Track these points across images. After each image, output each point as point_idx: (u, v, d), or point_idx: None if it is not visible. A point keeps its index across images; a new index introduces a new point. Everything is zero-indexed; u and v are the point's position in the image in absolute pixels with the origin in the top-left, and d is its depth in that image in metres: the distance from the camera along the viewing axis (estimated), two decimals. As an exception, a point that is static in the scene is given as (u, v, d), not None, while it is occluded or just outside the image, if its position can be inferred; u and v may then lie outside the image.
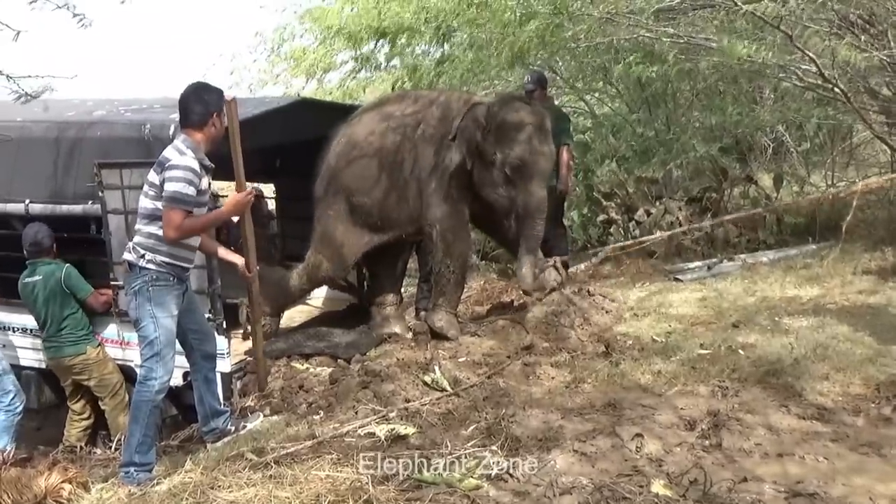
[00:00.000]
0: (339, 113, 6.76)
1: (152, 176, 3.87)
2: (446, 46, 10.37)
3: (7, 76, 4.95)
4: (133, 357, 5.10)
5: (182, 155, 3.84)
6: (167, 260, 3.89)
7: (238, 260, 4.47)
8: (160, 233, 3.85)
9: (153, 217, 3.87)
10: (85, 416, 5.59)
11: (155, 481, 3.61)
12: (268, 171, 7.47)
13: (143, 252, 3.85)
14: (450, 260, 5.46)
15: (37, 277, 5.29)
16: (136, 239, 3.90)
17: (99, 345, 5.44)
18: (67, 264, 5.33)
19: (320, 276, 5.93)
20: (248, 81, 12.34)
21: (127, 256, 3.90)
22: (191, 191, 3.81)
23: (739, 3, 5.85)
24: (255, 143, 5.20)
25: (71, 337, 5.31)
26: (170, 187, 3.77)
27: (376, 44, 10.58)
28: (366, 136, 5.62)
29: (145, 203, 3.90)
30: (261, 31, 12.02)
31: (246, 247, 4.58)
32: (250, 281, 4.58)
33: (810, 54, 5.95)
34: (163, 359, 3.86)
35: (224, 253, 4.51)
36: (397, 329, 5.83)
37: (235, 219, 4.88)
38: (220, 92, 4.14)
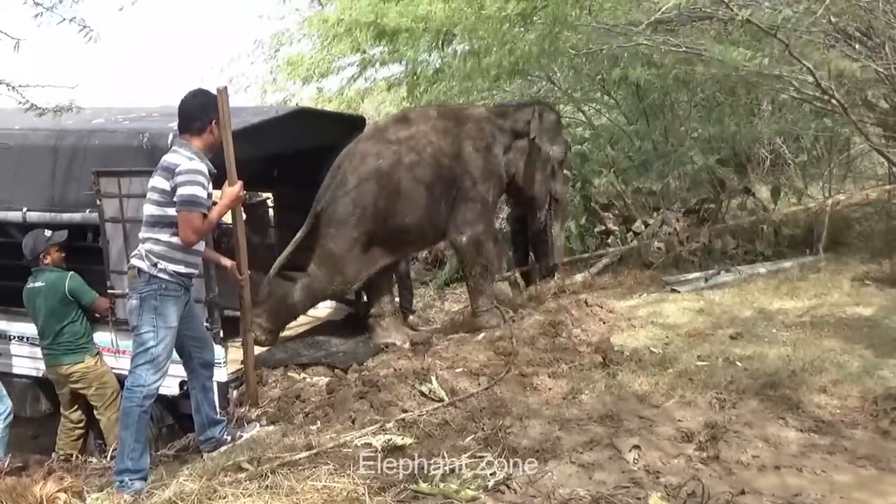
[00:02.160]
0: (337, 123, 6.79)
1: (160, 182, 3.86)
2: (445, 52, 10.36)
3: (7, 84, 4.94)
4: (127, 365, 5.09)
5: (191, 160, 3.86)
6: (179, 269, 3.91)
7: (228, 263, 4.48)
8: (174, 240, 3.86)
9: (162, 224, 3.88)
10: (80, 425, 5.56)
11: (151, 491, 3.60)
12: (266, 181, 7.47)
13: (156, 260, 3.85)
14: (483, 259, 5.88)
15: (39, 284, 5.28)
16: (148, 246, 3.89)
17: (97, 353, 5.42)
18: (71, 272, 5.31)
19: (329, 291, 5.96)
20: (246, 86, 12.30)
21: (137, 263, 3.88)
22: (204, 194, 3.85)
23: (736, 10, 5.83)
24: (253, 152, 5.20)
25: (70, 345, 5.29)
26: (185, 191, 3.79)
27: (374, 48, 10.58)
28: (400, 157, 5.71)
29: (152, 210, 3.90)
30: (259, 39, 11.96)
31: (238, 250, 4.56)
32: (241, 285, 4.56)
33: (807, 65, 5.95)
34: (155, 367, 3.85)
35: (214, 256, 4.51)
36: (396, 339, 5.85)
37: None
38: None
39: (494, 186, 6.02)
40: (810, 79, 6.17)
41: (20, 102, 4.89)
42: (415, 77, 10.30)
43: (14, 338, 5.84)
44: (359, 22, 9.61)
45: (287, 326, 6.47)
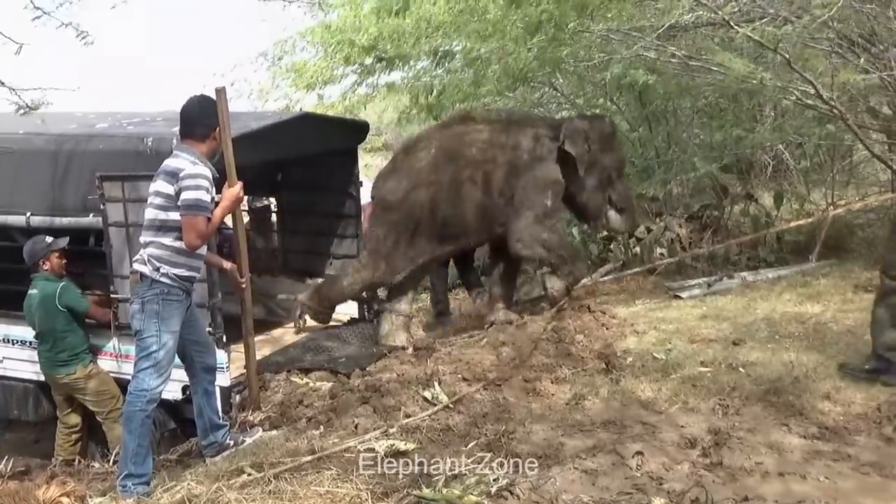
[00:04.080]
0: (340, 128, 6.81)
1: (163, 186, 3.87)
2: (446, 64, 10.37)
3: (10, 88, 4.96)
4: (130, 370, 5.08)
5: (194, 164, 3.87)
6: (182, 273, 3.92)
7: (228, 266, 4.48)
8: (176, 244, 3.87)
9: (165, 228, 3.89)
10: (76, 429, 5.54)
11: (154, 496, 3.60)
12: (270, 185, 7.48)
13: (158, 265, 3.85)
14: (553, 256, 5.92)
15: (34, 292, 5.28)
16: (150, 251, 3.89)
17: (91, 362, 5.40)
18: (64, 281, 5.29)
19: (375, 279, 6.05)
20: (249, 92, 12.30)
21: (140, 268, 3.89)
22: (208, 198, 3.87)
23: (736, 27, 5.85)
24: (257, 157, 5.22)
25: (62, 356, 5.28)
26: (190, 195, 3.80)
27: (376, 59, 10.58)
28: (458, 153, 5.89)
29: (155, 214, 3.90)
30: (262, 47, 12.02)
31: (238, 252, 4.56)
32: (242, 288, 4.56)
33: (808, 76, 5.96)
34: (157, 371, 3.87)
35: (215, 259, 4.52)
36: (400, 341, 5.87)
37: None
38: None
39: (556, 193, 5.93)
40: (812, 90, 6.16)
41: (12, 103, 4.92)
42: (415, 90, 10.31)
43: (16, 342, 5.84)
44: (355, 43, 9.65)
45: (288, 333, 6.51)
